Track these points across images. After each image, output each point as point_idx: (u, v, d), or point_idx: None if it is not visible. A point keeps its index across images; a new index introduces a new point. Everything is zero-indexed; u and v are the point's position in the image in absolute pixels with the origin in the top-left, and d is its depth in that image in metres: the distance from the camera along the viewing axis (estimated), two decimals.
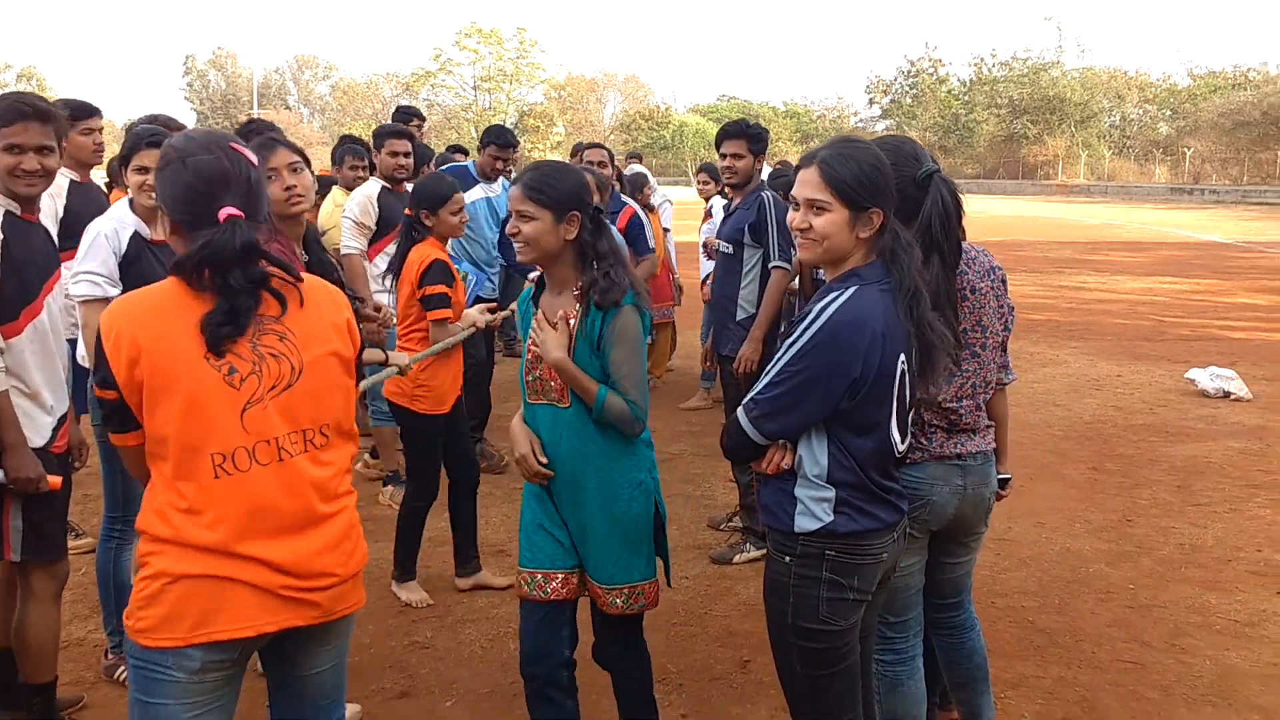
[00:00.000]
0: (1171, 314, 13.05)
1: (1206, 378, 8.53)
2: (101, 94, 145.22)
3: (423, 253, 4.33)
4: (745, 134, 5.03)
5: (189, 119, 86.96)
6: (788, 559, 2.35)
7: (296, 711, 2.30)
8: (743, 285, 5.01)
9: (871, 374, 2.27)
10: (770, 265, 4.90)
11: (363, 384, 2.92)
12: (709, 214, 8.65)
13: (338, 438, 2.22)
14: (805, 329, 2.29)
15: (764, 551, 5.04)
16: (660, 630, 4.21)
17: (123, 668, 3.39)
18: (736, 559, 4.98)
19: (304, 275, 2.21)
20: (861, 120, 73.64)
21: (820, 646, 2.33)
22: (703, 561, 5.01)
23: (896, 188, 2.55)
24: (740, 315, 5.01)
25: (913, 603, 2.85)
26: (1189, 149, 52.23)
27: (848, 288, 2.32)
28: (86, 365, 3.56)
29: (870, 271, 2.35)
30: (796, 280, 4.72)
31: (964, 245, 2.73)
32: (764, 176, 5.44)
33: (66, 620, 4.18)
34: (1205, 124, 52.67)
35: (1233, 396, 8.30)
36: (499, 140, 6.57)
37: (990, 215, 31.45)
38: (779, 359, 2.33)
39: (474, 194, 6.33)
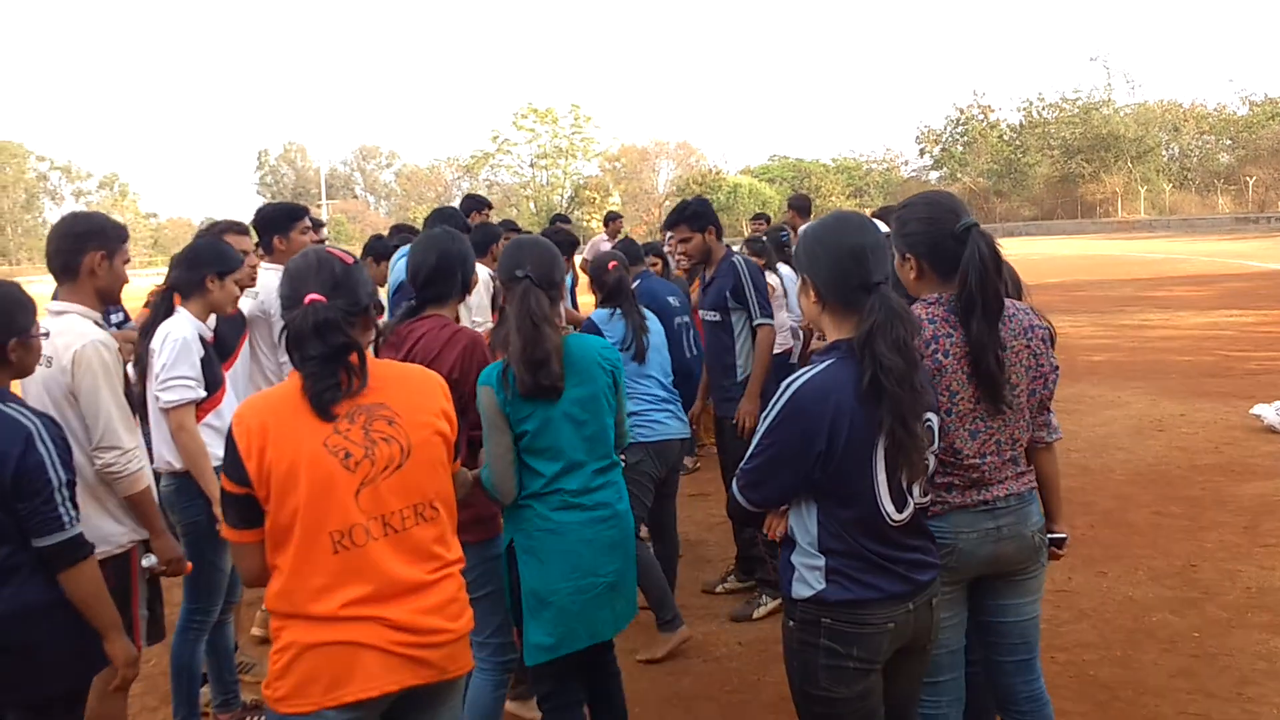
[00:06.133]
0: (1237, 348, 12.75)
1: (1272, 412, 8.31)
2: (181, 193, 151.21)
3: None
4: (683, 219, 5.23)
5: None
6: (791, 623, 2.38)
7: None
8: (738, 348, 5.12)
9: (840, 447, 2.27)
10: (754, 324, 5.03)
11: None
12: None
13: (444, 508, 2.40)
14: (774, 404, 2.34)
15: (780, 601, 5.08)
16: (715, 699, 4.22)
17: None
18: (755, 614, 5.06)
19: (398, 363, 2.55)
20: (913, 170, 73.35)
21: (827, 713, 2.33)
22: (757, 626, 5.00)
23: (934, 242, 2.61)
24: (740, 376, 5.12)
25: (948, 664, 2.70)
26: (1251, 178, 51.25)
27: (825, 360, 2.35)
28: (178, 468, 3.73)
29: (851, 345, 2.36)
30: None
31: (1005, 302, 2.65)
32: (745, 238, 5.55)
33: (134, 713, 4.32)
34: (1266, 151, 51.70)
35: None
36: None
37: (1050, 256, 31.10)
38: (757, 432, 2.39)
39: None
